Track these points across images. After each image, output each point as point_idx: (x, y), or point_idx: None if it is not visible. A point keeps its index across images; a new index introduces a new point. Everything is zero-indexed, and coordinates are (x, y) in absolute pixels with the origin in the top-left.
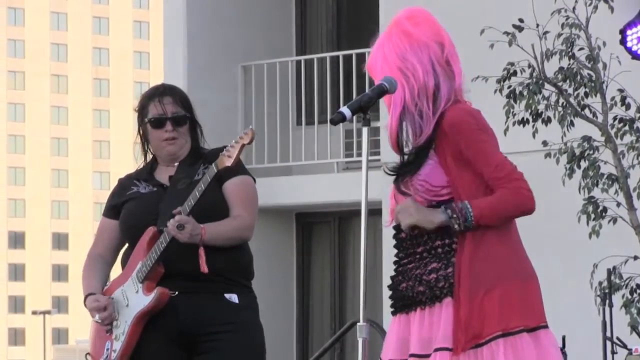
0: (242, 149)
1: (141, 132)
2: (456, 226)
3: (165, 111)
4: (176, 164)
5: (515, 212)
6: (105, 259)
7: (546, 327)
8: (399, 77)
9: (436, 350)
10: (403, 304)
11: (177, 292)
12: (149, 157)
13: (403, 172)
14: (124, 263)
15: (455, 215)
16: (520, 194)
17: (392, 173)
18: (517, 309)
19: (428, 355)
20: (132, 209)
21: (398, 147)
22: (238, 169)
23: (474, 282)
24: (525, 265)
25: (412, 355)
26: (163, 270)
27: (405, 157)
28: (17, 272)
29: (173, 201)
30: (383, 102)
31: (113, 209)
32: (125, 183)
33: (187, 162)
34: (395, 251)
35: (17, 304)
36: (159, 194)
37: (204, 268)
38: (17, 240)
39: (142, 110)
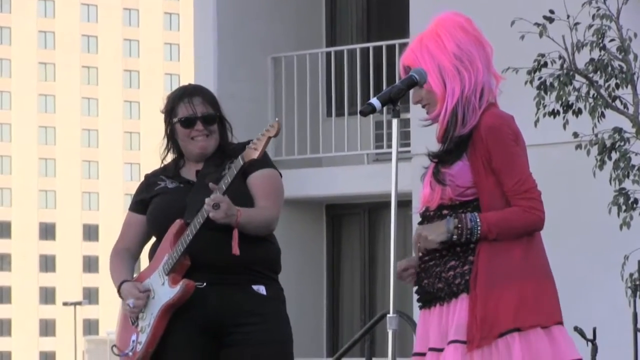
0: (269, 142)
1: (168, 132)
2: (455, 237)
3: (195, 111)
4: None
5: (523, 231)
6: (131, 252)
7: (561, 324)
8: (456, 63)
9: (450, 342)
10: (426, 299)
11: (204, 284)
12: (170, 157)
13: (443, 160)
14: (151, 256)
15: (460, 225)
16: (532, 214)
17: (433, 160)
18: (533, 309)
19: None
20: (160, 203)
21: (445, 136)
22: (263, 162)
23: (490, 280)
24: (542, 265)
25: (431, 349)
26: (189, 263)
27: (446, 145)
28: (47, 263)
29: (201, 195)
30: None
31: (140, 204)
32: (151, 179)
33: (214, 158)
34: None
35: (47, 295)
36: (187, 189)
37: (236, 250)
38: (47, 231)
39: (171, 111)
